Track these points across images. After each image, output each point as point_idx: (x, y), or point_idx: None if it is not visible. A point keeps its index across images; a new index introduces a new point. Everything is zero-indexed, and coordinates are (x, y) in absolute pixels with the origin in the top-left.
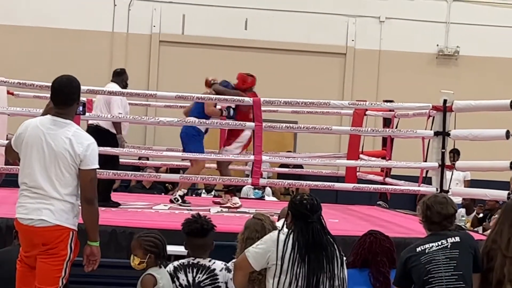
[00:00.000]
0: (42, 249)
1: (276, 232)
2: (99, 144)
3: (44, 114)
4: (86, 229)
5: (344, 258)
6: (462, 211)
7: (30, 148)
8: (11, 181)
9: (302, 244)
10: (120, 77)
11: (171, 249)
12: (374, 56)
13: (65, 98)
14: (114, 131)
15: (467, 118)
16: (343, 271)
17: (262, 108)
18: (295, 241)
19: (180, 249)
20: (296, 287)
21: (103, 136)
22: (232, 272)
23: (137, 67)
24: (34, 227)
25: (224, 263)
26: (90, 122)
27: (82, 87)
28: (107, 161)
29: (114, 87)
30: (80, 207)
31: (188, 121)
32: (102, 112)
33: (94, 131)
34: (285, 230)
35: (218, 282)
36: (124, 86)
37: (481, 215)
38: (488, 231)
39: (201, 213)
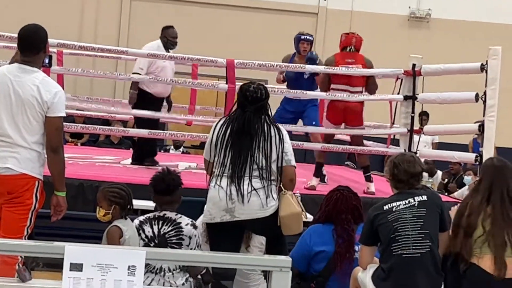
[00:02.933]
0: (7, 198)
1: (217, 120)
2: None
3: (11, 63)
4: (52, 179)
5: (286, 138)
6: (425, 175)
7: None
8: None
9: (233, 129)
10: (163, 32)
11: (138, 203)
12: (346, 17)
13: (31, 45)
14: (149, 90)
15: (438, 83)
16: (282, 147)
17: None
18: (228, 127)
19: (147, 204)
20: (224, 164)
21: (144, 96)
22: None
23: (108, 23)
24: (0, 175)
25: (191, 220)
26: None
27: (53, 41)
28: (144, 121)
29: (152, 44)
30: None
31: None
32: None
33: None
34: (225, 117)
35: (182, 235)
36: (167, 41)
37: (445, 180)
38: (455, 193)
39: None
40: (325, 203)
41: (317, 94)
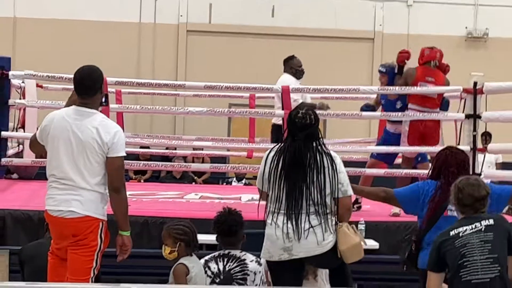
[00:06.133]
0: (72, 240)
1: (268, 150)
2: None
3: (68, 105)
4: (116, 219)
5: (340, 167)
6: None
7: (57, 140)
8: (44, 174)
9: (285, 161)
10: (287, 64)
11: (203, 238)
12: (403, 41)
13: (87, 88)
14: None
15: (498, 100)
16: (336, 178)
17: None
18: (279, 158)
19: (211, 238)
20: (280, 201)
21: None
22: None
23: (165, 58)
24: (64, 219)
25: (256, 256)
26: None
27: (111, 79)
28: None
29: (287, 78)
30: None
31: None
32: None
33: (276, 129)
34: (276, 147)
35: (248, 270)
36: (295, 72)
37: None
38: None
39: (232, 203)
40: (435, 160)
41: (372, 115)
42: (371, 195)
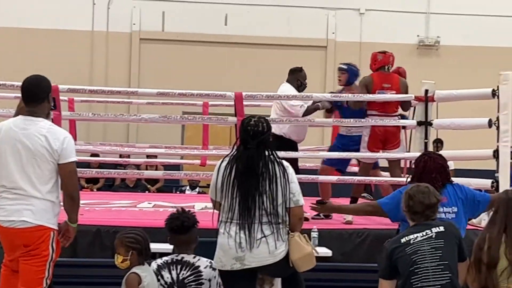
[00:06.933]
0: (23, 251)
1: (220, 160)
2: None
3: (16, 114)
4: (66, 213)
5: (292, 177)
6: None
7: (5, 150)
8: None
9: (238, 170)
10: (293, 75)
11: (156, 247)
12: (355, 48)
13: (34, 96)
14: (293, 138)
15: (449, 108)
16: (288, 188)
17: (244, 103)
18: (232, 167)
19: (165, 247)
20: (232, 210)
21: (284, 144)
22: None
23: (118, 66)
24: (15, 229)
25: (209, 260)
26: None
27: (63, 87)
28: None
29: (288, 88)
30: (61, 206)
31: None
32: (277, 116)
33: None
34: (228, 157)
35: (202, 279)
36: (299, 85)
37: None
38: (474, 220)
39: (185, 208)
40: (415, 166)
41: (325, 121)
42: (358, 211)
